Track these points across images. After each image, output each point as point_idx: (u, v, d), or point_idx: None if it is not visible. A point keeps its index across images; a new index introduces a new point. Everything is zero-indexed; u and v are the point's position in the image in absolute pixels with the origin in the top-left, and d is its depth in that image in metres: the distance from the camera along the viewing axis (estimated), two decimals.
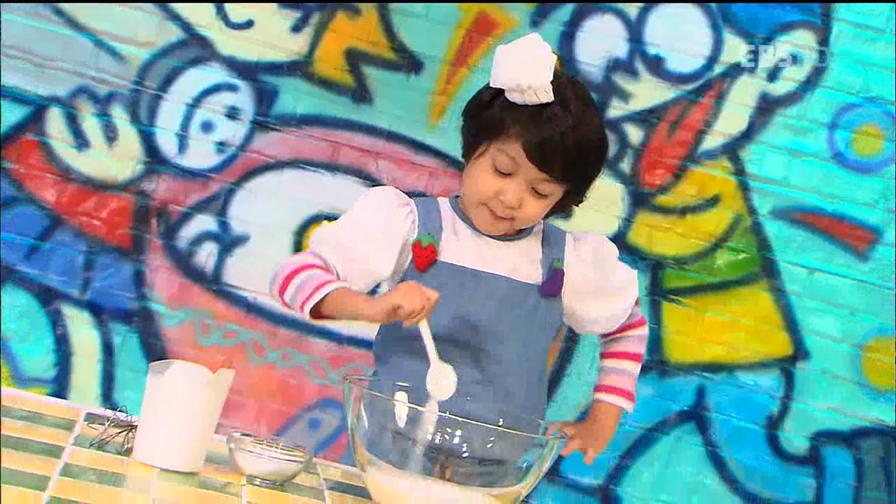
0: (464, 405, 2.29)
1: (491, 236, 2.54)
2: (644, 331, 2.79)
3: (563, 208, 2.58)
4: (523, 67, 2.41)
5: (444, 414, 2.15)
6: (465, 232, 2.54)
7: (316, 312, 2.36)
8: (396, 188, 2.61)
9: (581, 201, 2.58)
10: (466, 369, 2.45)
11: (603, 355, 2.77)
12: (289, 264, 2.46)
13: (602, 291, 2.64)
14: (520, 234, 2.57)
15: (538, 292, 2.54)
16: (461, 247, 2.52)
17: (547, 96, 2.42)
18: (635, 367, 2.75)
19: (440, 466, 2.11)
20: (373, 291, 2.62)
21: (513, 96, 2.44)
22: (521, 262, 2.54)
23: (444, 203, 2.57)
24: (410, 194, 2.61)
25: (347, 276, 2.45)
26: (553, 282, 2.55)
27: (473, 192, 2.49)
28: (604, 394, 2.71)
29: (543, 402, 2.63)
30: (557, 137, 2.42)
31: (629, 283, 2.70)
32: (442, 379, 2.27)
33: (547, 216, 2.57)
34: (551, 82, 2.42)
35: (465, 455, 2.12)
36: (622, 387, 2.71)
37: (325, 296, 2.33)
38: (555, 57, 2.43)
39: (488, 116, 2.47)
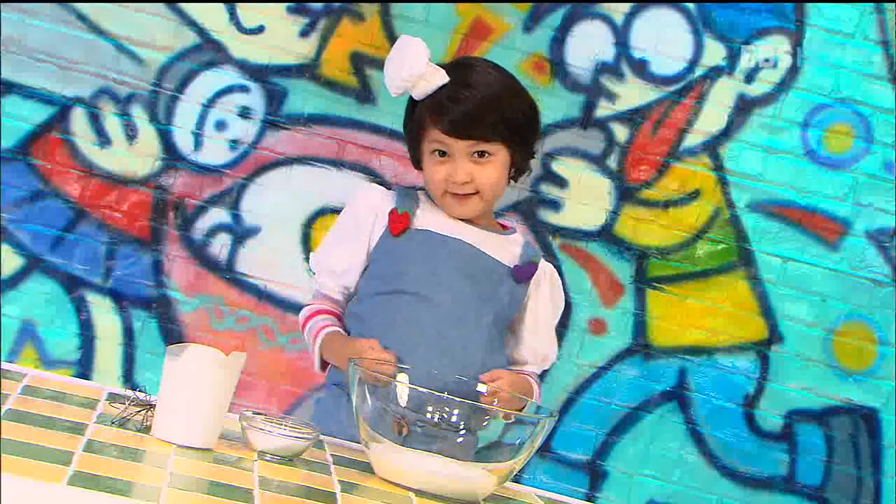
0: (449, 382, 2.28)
1: (472, 225, 2.54)
2: (539, 392, 2.64)
3: (521, 168, 2.56)
4: (400, 65, 2.46)
5: (442, 394, 2.14)
6: (440, 212, 2.54)
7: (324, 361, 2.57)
8: (382, 184, 2.65)
9: (532, 154, 2.56)
10: (431, 330, 2.46)
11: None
12: (304, 314, 2.64)
13: (543, 320, 2.61)
14: (504, 230, 2.58)
15: (508, 273, 2.53)
16: (436, 219, 2.53)
17: (439, 79, 2.45)
18: (536, 393, 2.60)
19: (436, 442, 2.11)
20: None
21: (415, 94, 2.48)
22: (495, 245, 2.54)
23: (421, 192, 2.60)
24: (412, 188, 2.62)
25: (349, 284, 2.57)
26: (526, 269, 2.55)
27: (432, 186, 2.51)
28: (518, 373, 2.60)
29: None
30: (463, 106, 2.44)
31: (553, 345, 2.66)
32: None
33: (514, 179, 2.56)
34: (448, 67, 2.47)
35: (462, 431, 2.12)
36: (533, 383, 2.59)
37: (322, 349, 2.55)
38: (421, 43, 2.45)
39: (412, 122, 2.52)
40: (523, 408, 2.38)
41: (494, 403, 2.30)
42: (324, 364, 2.57)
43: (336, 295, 2.60)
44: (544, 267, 2.61)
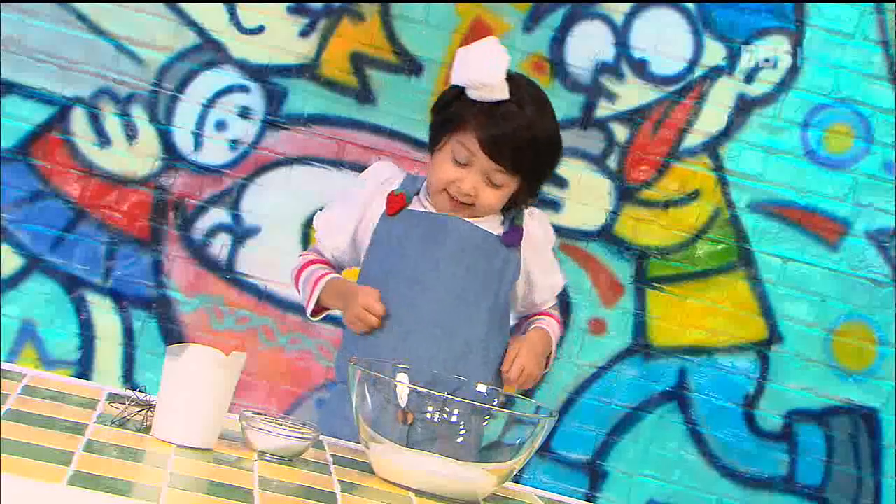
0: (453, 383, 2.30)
1: None
2: (560, 325, 2.75)
3: (518, 203, 2.61)
4: (480, 67, 2.47)
5: (442, 395, 2.14)
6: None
7: (318, 306, 2.64)
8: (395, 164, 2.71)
9: (535, 196, 2.63)
10: (427, 311, 2.50)
11: (529, 317, 2.72)
12: (297, 264, 2.69)
13: (547, 259, 2.68)
14: None
15: (499, 241, 2.57)
16: (429, 205, 2.59)
17: (502, 94, 2.48)
18: (558, 331, 2.70)
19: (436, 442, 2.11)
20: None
21: (471, 93, 2.49)
22: (482, 219, 2.58)
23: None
24: (421, 177, 2.67)
25: (339, 245, 2.64)
26: (513, 233, 2.59)
27: (435, 180, 2.55)
28: (534, 324, 2.68)
29: (500, 352, 2.61)
30: (510, 132, 2.48)
31: (560, 271, 2.74)
32: None
33: (506, 209, 2.60)
34: (509, 83, 2.49)
35: (462, 432, 2.12)
36: (551, 328, 2.68)
37: (321, 293, 2.61)
38: (508, 58, 2.49)
39: (450, 112, 2.54)
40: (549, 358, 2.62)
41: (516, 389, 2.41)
42: (316, 311, 2.66)
43: (326, 253, 2.67)
44: (531, 214, 2.65)
